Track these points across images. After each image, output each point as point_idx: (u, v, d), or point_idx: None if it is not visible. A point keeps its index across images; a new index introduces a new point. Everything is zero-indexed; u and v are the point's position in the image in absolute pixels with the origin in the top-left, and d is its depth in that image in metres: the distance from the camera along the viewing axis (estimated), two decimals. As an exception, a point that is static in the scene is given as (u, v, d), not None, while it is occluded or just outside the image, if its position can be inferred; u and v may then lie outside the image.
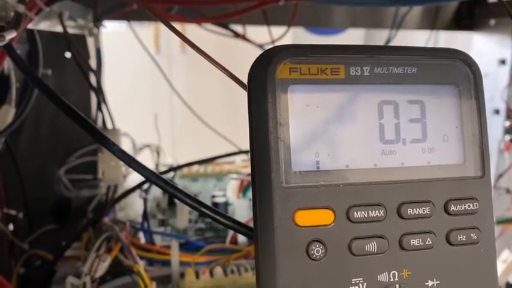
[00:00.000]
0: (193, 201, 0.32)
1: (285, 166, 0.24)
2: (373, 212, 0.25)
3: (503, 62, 0.75)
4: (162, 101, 1.67)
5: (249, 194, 0.65)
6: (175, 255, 0.47)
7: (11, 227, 0.54)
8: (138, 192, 0.54)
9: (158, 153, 0.75)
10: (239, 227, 0.31)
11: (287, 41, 0.78)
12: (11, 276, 0.51)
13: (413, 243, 0.26)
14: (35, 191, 0.57)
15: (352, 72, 0.26)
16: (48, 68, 0.59)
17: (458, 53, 0.28)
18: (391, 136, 0.26)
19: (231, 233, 0.52)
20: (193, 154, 0.73)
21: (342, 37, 1.81)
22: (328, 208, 0.25)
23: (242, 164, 0.80)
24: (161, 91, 1.52)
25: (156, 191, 0.65)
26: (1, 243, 0.52)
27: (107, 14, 0.65)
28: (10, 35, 0.34)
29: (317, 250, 0.24)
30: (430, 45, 0.84)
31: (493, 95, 0.75)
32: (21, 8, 0.36)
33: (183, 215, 0.57)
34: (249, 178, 0.64)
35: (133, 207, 0.61)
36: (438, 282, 0.26)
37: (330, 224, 0.25)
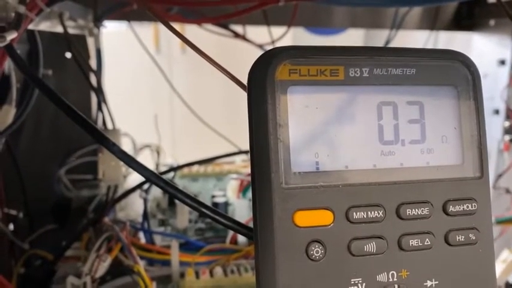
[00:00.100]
0: (193, 202, 0.32)
1: (284, 167, 0.25)
2: (372, 212, 0.25)
3: (502, 62, 0.75)
4: (162, 101, 1.68)
5: (249, 194, 0.65)
6: (176, 255, 0.47)
7: (11, 226, 0.54)
8: (138, 192, 0.54)
9: (158, 153, 0.75)
10: (239, 227, 0.31)
11: (287, 41, 0.78)
12: (11, 276, 0.51)
13: (412, 244, 0.26)
14: (35, 191, 0.57)
15: (352, 73, 0.26)
16: (49, 68, 0.59)
17: (457, 54, 0.28)
18: (390, 137, 0.27)
19: (231, 233, 0.52)
20: (193, 154, 0.73)
21: (342, 37, 1.81)
22: (327, 209, 0.25)
23: (242, 164, 0.80)
24: (161, 91, 1.52)
25: (156, 191, 0.65)
26: (1, 243, 0.53)
27: (107, 14, 0.66)
28: (11, 36, 0.34)
29: (316, 250, 0.24)
30: (430, 45, 0.84)
31: (492, 95, 0.75)
32: (22, 9, 0.36)
33: (183, 215, 0.57)
34: (249, 178, 0.64)
35: (134, 207, 0.61)
36: (437, 282, 0.26)
37: (330, 225, 0.25)
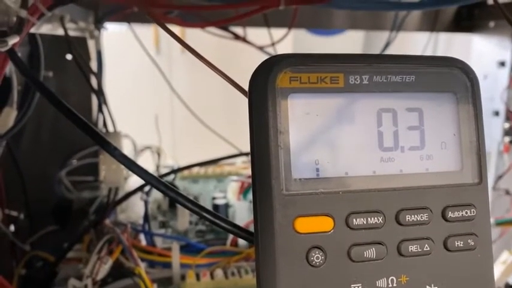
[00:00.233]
0: (194, 206, 0.32)
1: (285, 173, 0.25)
2: (372, 218, 0.26)
3: (502, 64, 0.75)
4: (163, 102, 1.68)
5: (250, 196, 0.65)
6: (176, 257, 0.47)
7: (12, 228, 0.54)
8: (139, 194, 0.54)
9: (159, 154, 0.76)
10: (240, 231, 0.31)
11: (288, 42, 0.78)
12: (13, 278, 0.51)
13: (411, 250, 0.26)
14: (36, 192, 0.57)
15: (351, 80, 0.26)
16: (49, 70, 0.59)
17: (456, 61, 0.28)
18: (390, 143, 0.27)
19: (231, 235, 0.53)
20: (194, 155, 0.73)
21: (342, 38, 1.81)
22: (327, 215, 0.25)
23: (242, 165, 0.80)
24: (162, 92, 1.52)
25: (157, 193, 0.65)
26: (2, 244, 0.53)
27: (108, 16, 0.66)
28: (13, 40, 0.34)
29: (317, 256, 0.25)
30: (430, 47, 0.85)
31: (492, 97, 0.75)
32: (24, 13, 0.36)
33: (184, 217, 0.57)
34: (249, 180, 0.65)
35: (135, 209, 0.61)
36: None
37: (330, 231, 0.25)
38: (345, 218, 0.25)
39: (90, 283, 0.41)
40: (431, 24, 0.79)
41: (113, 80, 0.77)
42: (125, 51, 1.14)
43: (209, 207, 0.56)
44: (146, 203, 0.54)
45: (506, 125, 0.75)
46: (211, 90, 1.67)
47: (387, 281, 0.26)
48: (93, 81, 0.63)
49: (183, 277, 0.47)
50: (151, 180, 0.33)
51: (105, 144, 0.34)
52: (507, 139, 0.75)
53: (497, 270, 0.54)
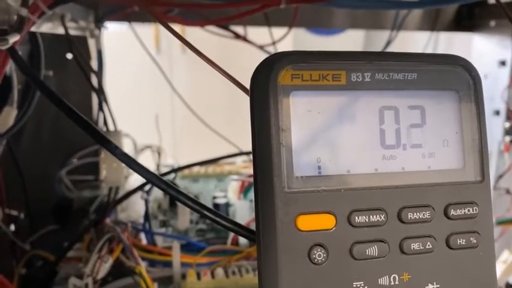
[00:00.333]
0: (195, 204, 0.32)
1: (287, 171, 0.25)
2: (374, 216, 0.25)
3: (503, 63, 0.75)
4: (163, 102, 1.68)
5: (250, 195, 0.65)
6: (177, 256, 0.47)
7: (12, 227, 0.54)
8: (139, 193, 0.54)
9: (159, 153, 0.75)
10: (241, 229, 0.31)
11: (288, 41, 0.78)
12: (13, 277, 0.51)
13: (413, 247, 0.26)
14: (36, 191, 0.57)
15: (354, 78, 0.26)
16: (50, 69, 0.59)
17: (458, 59, 0.28)
18: (392, 141, 0.27)
19: (232, 234, 0.52)
20: (194, 154, 0.73)
21: (343, 37, 1.82)
22: (329, 213, 0.25)
23: (243, 164, 0.80)
24: (162, 91, 1.52)
25: (157, 192, 0.65)
26: (2, 243, 0.53)
27: (109, 16, 0.66)
28: (13, 39, 0.34)
29: (319, 254, 0.25)
30: (431, 46, 0.85)
31: (493, 96, 0.75)
32: (24, 12, 0.36)
33: (184, 216, 0.57)
34: (250, 179, 0.65)
35: (135, 208, 0.61)
36: (438, 285, 0.26)
37: (332, 229, 0.25)
38: (347, 215, 0.25)
39: (91, 282, 0.41)
40: (432, 24, 0.79)
41: (113, 79, 0.77)
42: (125, 51, 1.14)
43: (209, 206, 0.55)
44: (147, 202, 0.54)
45: (507, 125, 0.75)
46: (211, 90, 1.67)
47: (389, 278, 0.26)
48: (94, 80, 0.63)
49: (183, 276, 0.47)
50: (152, 178, 0.33)
51: (106, 142, 0.33)
52: (508, 138, 0.75)
53: (498, 269, 0.54)
